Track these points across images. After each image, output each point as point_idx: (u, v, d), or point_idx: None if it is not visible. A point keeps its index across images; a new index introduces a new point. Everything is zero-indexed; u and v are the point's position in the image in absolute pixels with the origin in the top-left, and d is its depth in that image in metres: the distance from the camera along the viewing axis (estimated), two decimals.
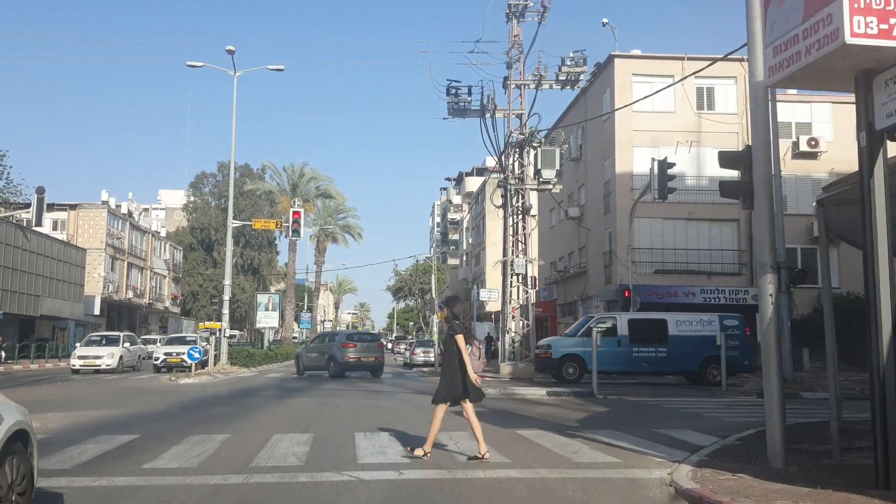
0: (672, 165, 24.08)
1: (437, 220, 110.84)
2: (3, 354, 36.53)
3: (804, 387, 19.15)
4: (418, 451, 8.58)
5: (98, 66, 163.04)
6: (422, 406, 15.09)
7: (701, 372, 23.14)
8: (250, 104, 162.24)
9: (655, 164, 23.83)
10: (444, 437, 10.15)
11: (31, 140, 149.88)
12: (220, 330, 32.46)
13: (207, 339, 32.70)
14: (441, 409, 8.60)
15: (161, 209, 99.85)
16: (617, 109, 29.65)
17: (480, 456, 8.40)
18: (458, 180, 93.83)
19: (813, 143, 34.01)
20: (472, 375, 8.39)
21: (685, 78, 28.86)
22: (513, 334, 28.36)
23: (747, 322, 33.32)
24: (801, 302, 32.67)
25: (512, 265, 28.20)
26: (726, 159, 8.27)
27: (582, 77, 28.75)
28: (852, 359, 30.06)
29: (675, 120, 34.41)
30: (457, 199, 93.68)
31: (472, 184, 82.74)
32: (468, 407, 8.58)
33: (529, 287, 28.65)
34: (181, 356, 30.36)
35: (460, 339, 8.45)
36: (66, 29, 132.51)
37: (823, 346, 28.27)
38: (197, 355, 26.22)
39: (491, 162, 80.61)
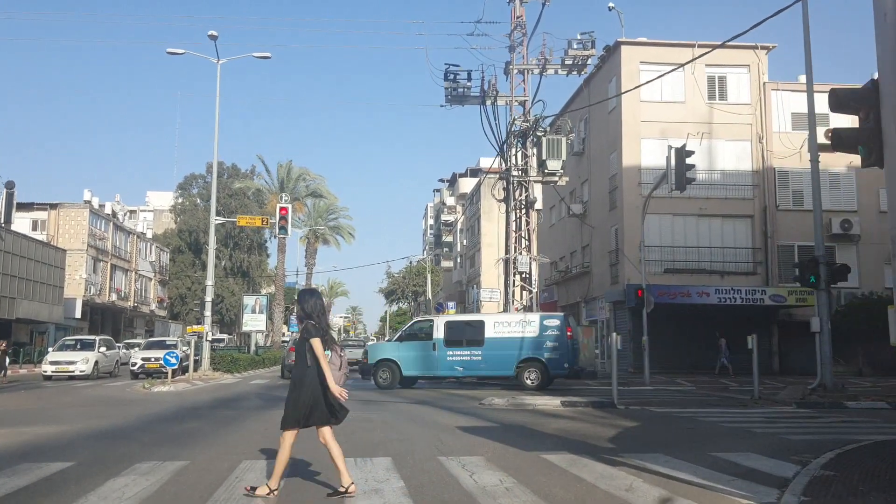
0: (691, 154, 22.13)
1: (431, 222, 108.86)
2: (8, 360, 34.34)
3: (846, 395, 17.17)
4: (261, 490, 6.56)
5: (83, 61, 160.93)
6: (422, 419, 13.06)
7: (517, 376, 22.09)
8: (240, 103, 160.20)
9: (672, 151, 21.89)
10: (455, 465, 8.13)
11: (16, 139, 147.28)
12: (202, 333, 30.44)
13: (188, 343, 30.63)
14: (291, 436, 6.55)
15: (149, 211, 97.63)
16: (624, 92, 27.82)
17: (344, 489, 6.48)
18: (452, 181, 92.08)
19: (831, 135, 32.00)
20: (335, 389, 6.42)
21: (695, 59, 27.03)
22: None
23: (771, 324, 31.87)
24: (822, 302, 30.71)
25: (514, 263, 26.24)
26: (840, 99, 6.33)
27: (590, 62, 26.83)
28: (878, 363, 28.27)
29: (685, 111, 32.53)
30: (450, 201, 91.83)
31: (466, 185, 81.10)
32: (326, 431, 6.58)
33: (534, 286, 26.66)
34: (160, 362, 28.29)
35: (317, 343, 6.42)
36: (45, 23, 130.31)
37: (847, 349, 26.05)
38: (174, 361, 24.10)
39: (485, 162, 78.88)
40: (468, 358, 22.11)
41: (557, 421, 13.08)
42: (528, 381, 21.61)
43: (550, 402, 15.98)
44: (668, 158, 22.04)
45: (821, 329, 17.28)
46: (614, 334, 16.20)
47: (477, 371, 22.37)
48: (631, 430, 11.79)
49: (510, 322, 22.54)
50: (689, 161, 21.95)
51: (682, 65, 26.98)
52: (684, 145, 22.30)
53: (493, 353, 21.95)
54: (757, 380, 17.52)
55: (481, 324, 22.64)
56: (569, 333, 22.27)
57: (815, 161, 18.86)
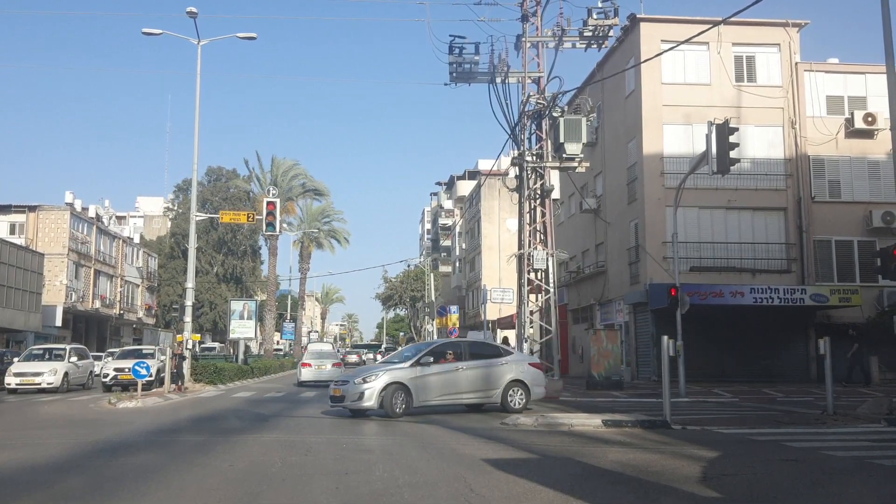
0: (734, 130, 19.34)
1: (428, 226, 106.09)
2: None
3: None
4: None
5: (71, 64, 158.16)
6: (435, 448, 10.11)
7: None
8: (236, 110, 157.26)
9: (714, 128, 19.06)
10: None
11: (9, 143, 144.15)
12: (184, 342, 27.53)
13: (166, 352, 27.69)
14: None
15: (139, 217, 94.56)
16: (644, 61, 25.15)
17: None
18: (450, 184, 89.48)
19: (870, 119, 29.30)
20: None
21: (718, 24, 24.23)
22: (531, 343, 23.55)
23: (808, 326, 29.00)
24: (864, 301, 27.97)
25: (529, 260, 23.36)
26: None
27: (611, 33, 23.93)
28: None
29: (710, 93, 29.71)
30: (448, 204, 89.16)
31: (464, 187, 78.58)
32: None
33: (551, 286, 23.75)
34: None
35: None
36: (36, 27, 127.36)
37: (893, 355, 22.70)
38: (144, 372, 21.15)
39: (484, 164, 76.21)
40: None
41: (610, 449, 10.16)
42: None
43: (588, 422, 13.06)
44: (709, 137, 19.20)
45: None
46: (665, 338, 13.30)
47: None
48: (716, 463, 8.86)
49: None
50: (732, 139, 19.18)
51: (699, 34, 24.27)
52: (727, 121, 19.48)
53: None
54: (831, 392, 14.66)
55: None
56: None
57: None
